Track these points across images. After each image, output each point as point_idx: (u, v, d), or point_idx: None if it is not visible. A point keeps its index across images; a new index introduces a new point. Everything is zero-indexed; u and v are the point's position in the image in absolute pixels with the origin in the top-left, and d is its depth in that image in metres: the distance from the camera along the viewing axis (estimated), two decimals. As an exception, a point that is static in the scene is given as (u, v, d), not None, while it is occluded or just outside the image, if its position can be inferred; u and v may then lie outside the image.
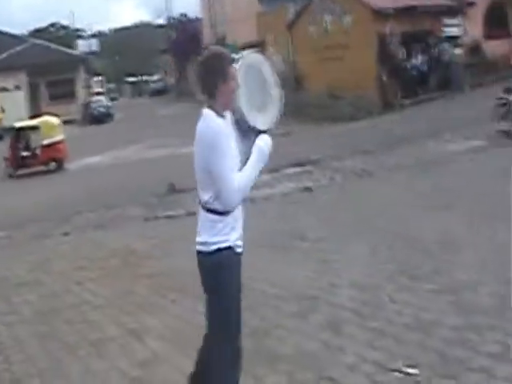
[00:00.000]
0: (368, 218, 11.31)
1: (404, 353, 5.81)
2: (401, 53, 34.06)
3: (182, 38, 70.66)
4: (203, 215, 4.63)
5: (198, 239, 4.66)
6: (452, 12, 37.42)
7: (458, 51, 35.65)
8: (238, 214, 4.68)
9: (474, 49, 37.26)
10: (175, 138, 30.31)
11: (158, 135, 35.51)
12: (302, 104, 38.54)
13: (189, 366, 5.09)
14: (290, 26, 43.24)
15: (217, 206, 4.52)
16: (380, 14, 34.28)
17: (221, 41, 57.03)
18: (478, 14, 38.38)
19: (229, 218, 4.57)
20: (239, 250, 4.69)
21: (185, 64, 74.20)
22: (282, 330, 6.83)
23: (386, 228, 10.39)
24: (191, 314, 7.49)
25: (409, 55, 34.96)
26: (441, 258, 8.32)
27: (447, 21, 37.24)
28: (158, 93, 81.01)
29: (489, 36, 38.49)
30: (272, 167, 18.44)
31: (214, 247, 4.58)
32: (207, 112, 4.49)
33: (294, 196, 14.75)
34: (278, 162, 19.15)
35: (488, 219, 9.89)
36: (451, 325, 6.29)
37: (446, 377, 5.32)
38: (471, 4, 37.97)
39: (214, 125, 4.43)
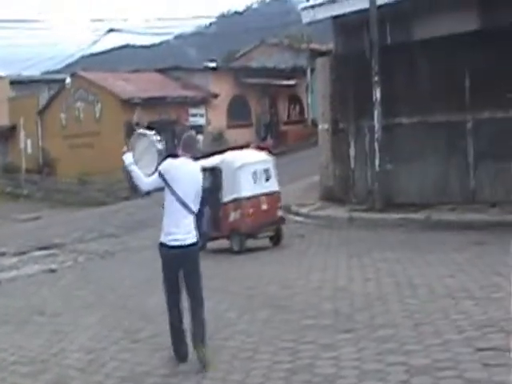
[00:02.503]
0: (102, 293, 12.70)
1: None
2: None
3: None
4: (191, 220, 7.70)
5: (190, 235, 7.65)
6: (197, 102, 39.96)
7: (200, 138, 37.99)
8: None
9: (218, 137, 39.77)
10: None
11: None
12: (53, 189, 39.32)
13: None
14: (41, 111, 43.98)
15: None
16: (128, 104, 35.98)
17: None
18: (222, 104, 41.21)
19: None
20: None
21: None
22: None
23: (116, 301, 11.83)
24: None
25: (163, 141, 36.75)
26: (159, 323, 9.69)
27: (192, 110, 39.70)
28: None
29: (232, 125, 41.40)
30: (19, 251, 19.32)
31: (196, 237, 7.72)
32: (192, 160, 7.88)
33: (39, 277, 15.65)
34: (27, 245, 20.09)
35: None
36: (162, 373, 7.66)
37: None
38: (216, 96, 40.68)
39: None
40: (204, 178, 15.91)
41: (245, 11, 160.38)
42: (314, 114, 39.66)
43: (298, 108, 46.77)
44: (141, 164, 7.93)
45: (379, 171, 18.70)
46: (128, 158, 7.93)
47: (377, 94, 18.58)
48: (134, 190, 7.97)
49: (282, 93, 45.44)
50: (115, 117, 36.42)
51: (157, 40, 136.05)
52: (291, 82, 44.98)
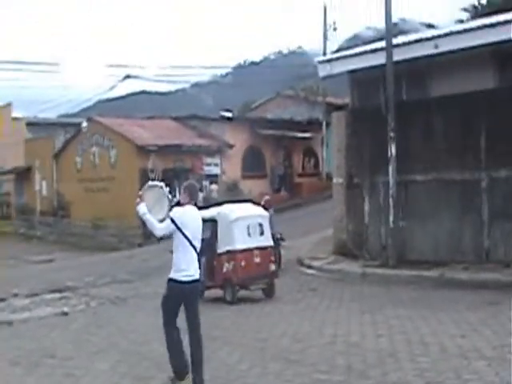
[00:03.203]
0: (114, 339, 12.70)
1: None
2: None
3: None
4: (196, 259, 8.91)
5: (197, 272, 8.88)
6: (212, 152, 40.15)
7: (214, 188, 38.07)
8: None
9: (232, 187, 39.81)
10: None
11: None
12: (66, 232, 39.36)
13: None
14: (57, 154, 44.23)
15: None
16: (143, 150, 36.22)
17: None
18: (237, 155, 41.41)
19: None
20: None
21: None
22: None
23: (127, 347, 11.84)
24: None
25: (171, 191, 36.76)
26: (171, 371, 9.71)
27: (207, 160, 39.87)
28: None
29: (246, 176, 41.56)
30: (32, 292, 19.35)
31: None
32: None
33: (50, 319, 15.66)
34: (39, 287, 20.13)
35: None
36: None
37: None
38: (231, 146, 40.90)
39: None
40: (203, 229, 16.78)
41: (261, 62, 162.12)
42: (328, 167, 39.81)
43: (312, 161, 47.00)
44: (152, 212, 8.97)
45: (393, 227, 18.74)
46: (142, 208, 8.92)
47: (392, 149, 18.68)
48: (149, 236, 9.36)
49: (298, 145, 45.70)
50: (130, 163, 36.62)
51: (173, 87, 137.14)
52: (307, 135, 45.25)
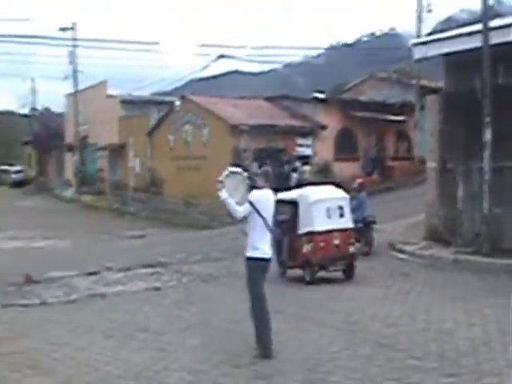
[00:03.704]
0: (205, 316, 12.91)
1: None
2: (254, 167, 35.58)
3: (44, 132, 70.67)
4: (270, 237, 9.76)
5: (269, 250, 9.71)
6: (305, 133, 40.04)
7: (306, 169, 38.12)
8: None
9: (324, 169, 39.69)
10: (31, 231, 31.05)
11: (15, 227, 35.92)
12: (159, 209, 39.94)
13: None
14: (151, 132, 44.79)
15: None
16: (236, 129, 36.38)
17: (83, 140, 57.98)
18: (329, 136, 41.17)
19: None
20: None
21: (46, 158, 73.89)
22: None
23: (218, 325, 12.03)
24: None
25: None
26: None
27: (300, 141, 39.78)
28: (19, 184, 79.81)
29: (338, 158, 41.33)
30: (125, 267, 19.76)
31: None
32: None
33: (143, 294, 15.99)
34: (132, 262, 20.53)
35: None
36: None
37: None
38: (324, 127, 40.70)
39: None
40: (284, 210, 17.43)
41: (354, 43, 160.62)
42: (421, 151, 39.22)
43: (405, 144, 46.37)
44: (231, 196, 9.74)
45: (487, 214, 18.35)
46: (224, 193, 9.69)
47: (487, 135, 18.26)
48: (230, 217, 10.15)
49: (390, 128, 45.16)
50: (223, 142, 36.85)
51: (265, 68, 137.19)
52: (399, 118, 44.66)
